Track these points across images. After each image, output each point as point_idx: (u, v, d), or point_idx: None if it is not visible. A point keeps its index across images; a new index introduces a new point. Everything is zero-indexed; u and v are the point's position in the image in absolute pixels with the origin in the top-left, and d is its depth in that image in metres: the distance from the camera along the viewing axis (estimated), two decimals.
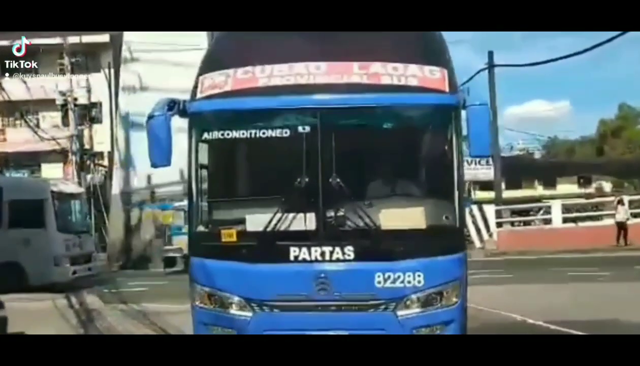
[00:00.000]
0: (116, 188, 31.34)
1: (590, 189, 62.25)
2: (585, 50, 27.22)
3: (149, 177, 30.21)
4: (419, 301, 7.38)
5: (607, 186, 62.08)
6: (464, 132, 7.55)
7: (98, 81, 41.60)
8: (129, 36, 31.41)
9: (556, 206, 30.89)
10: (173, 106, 7.75)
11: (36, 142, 37.57)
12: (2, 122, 42.22)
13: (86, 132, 39.99)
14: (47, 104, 39.84)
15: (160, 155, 7.73)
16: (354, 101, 7.44)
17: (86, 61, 40.21)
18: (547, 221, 30.66)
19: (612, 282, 17.57)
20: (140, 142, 30.54)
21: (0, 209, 18.93)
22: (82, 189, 24.86)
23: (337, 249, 7.31)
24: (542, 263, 22.64)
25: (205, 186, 8.02)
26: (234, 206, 7.98)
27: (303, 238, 7.35)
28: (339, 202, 7.39)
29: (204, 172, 7.93)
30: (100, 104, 42.60)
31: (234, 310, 7.52)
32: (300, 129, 7.43)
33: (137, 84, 31.30)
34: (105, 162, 41.00)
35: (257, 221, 7.48)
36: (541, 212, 31.66)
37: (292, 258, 7.34)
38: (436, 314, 7.43)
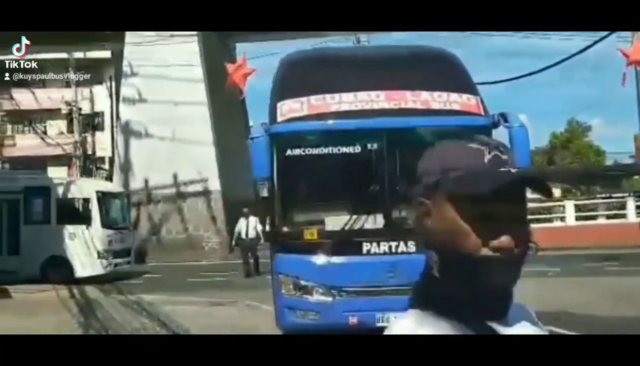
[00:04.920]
0: (117, 189, 31.12)
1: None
2: (540, 70, 27.43)
3: (146, 180, 30.15)
4: None
5: (557, 192, 62.54)
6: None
7: (100, 92, 41.49)
8: (128, 53, 31.25)
9: None
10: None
11: (43, 147, 37.36)
12: (12, 129, 41.75)
13: (89, 139, 39.85)
14: (53, 113, 39.66)
15: (262, 169, 8.09)
16: (412, 123, 8.15)
17: (89, 74, 39.88)
18: None
19: (560, 277, 17.61)
20: (138, 148, 30.78)
21: (49, 207, 18.82)
22: (123, 189, 24.62)
23: (402, 243, 8.02)
24: None
25: (286, 193, 8.40)
26: (312, 210, 8.51)
27: (373, 235, 8.10)
28: (401, 205, 8.14)
29: (285, 182, 8.35)
30: (103, 113, 42.52)
31: (317, 296, 8.18)
32: (368, 146, 8.16)
33: (136, 95, 31.08)
34: (107, 166, 40.70)
35: (334, 221, 8.25)
36: None
37: (364, 251, 8.10)
38: None
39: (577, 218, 29.72)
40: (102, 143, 41.56)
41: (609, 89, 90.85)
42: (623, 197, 31.22)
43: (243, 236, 19.89)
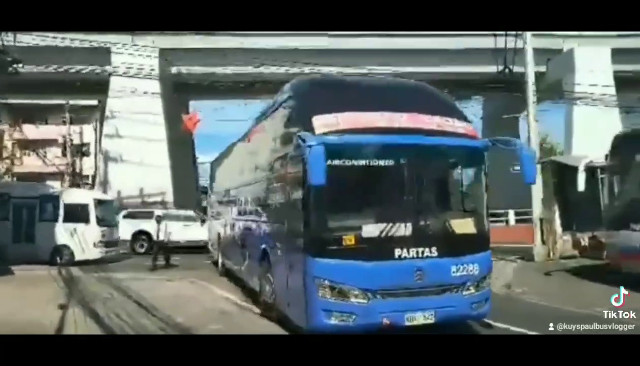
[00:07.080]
0: (107, 197, 30.08)
1: None
2: None
3: (118, 192, 29.12)
4: (475, 285, 6.79)
5: None
6: (517, 168, 7.07)
7: (88, 129, 40.07)
8: (110, 101, 30.43)
9: None
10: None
11: (43, 167, 35.70)
12: (21, 152, 39.46)
13: (78, 162, 38.23)
14: (52, 142, 37.88)
15: (320, 177, 6.00)
16: (433, 141, 6.66)
17: (80, 116, 38.35)
18: None
19: None
20: (114, 169, 29.95)
21: (58, 210, 17.71)
22: (112, 198, 23.13)
23: (427, 249, 6.53)
24: None
25: (324, 201, 6.41)
26: (347, 218, 6.54)
27: (403, 241, 6.47)
28: (425, 215, 6.68)
29: (320, 190, 6.24)
30: (89, 144, 40.70)
31: (353, 299, 6.35)
32: (398, 160, 6.52)
33: (114, 132, 30.22)
34: (90, 181, 39.16)
35: (369, 229, 6.46)
36: None
37: (396, 256, 6.44)
38: (482, 293, 6.88)
39: None
40: (87, 165, 39.92)
41: None
42: None
43: (155, 237, 17.59)
